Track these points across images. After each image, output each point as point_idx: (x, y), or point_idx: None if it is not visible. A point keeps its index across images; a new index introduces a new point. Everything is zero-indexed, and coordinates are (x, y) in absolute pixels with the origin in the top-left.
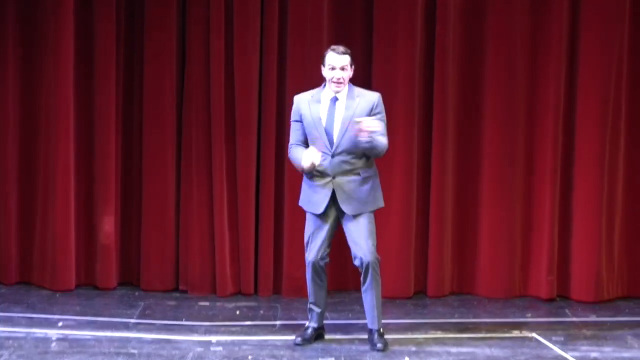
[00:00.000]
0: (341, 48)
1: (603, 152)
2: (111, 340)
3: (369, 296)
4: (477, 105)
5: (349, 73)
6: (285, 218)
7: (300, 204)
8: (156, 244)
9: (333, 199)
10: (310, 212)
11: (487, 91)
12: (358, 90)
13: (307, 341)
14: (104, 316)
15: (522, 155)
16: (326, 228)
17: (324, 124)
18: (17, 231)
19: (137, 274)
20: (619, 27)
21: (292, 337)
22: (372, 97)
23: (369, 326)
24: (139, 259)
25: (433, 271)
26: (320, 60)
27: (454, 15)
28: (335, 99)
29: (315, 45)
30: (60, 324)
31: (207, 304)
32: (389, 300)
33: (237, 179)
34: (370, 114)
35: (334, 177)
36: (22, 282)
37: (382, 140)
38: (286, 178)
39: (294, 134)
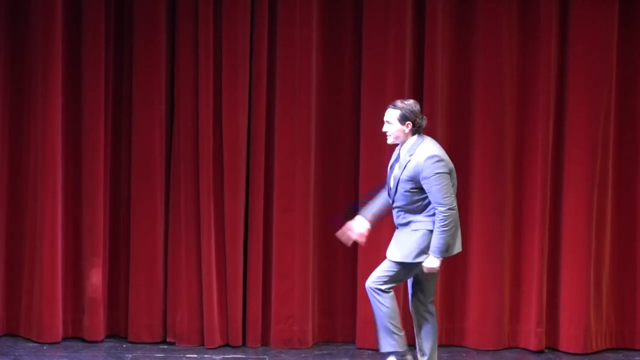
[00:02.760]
0: (395, 102)
1: (591, 204)
2: None
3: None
4: (465, 155)
5: (396, 127)
6: (274, 269)
7: None
8: (144, 296)
9: None
10: None
11: (476, 141)
12: (421, 147)
13: None
14: None
15: (511, 207)
16: None
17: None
18: (3, 283)
19: (124, 326)
20: (607, 68)
21: None
22: (419, 159)
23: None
24: (127, 311)
25: None
26: None
27: (441, 53)
28: (398, 154)
29: (305, 90)
30: None
31: (195, 355)
32: (378, 352)
33: (225, 230)
34: (419, 177)
35: (397, 227)
36: (8, 333)
37: (446, 224)
38: (274, 229)
39: None
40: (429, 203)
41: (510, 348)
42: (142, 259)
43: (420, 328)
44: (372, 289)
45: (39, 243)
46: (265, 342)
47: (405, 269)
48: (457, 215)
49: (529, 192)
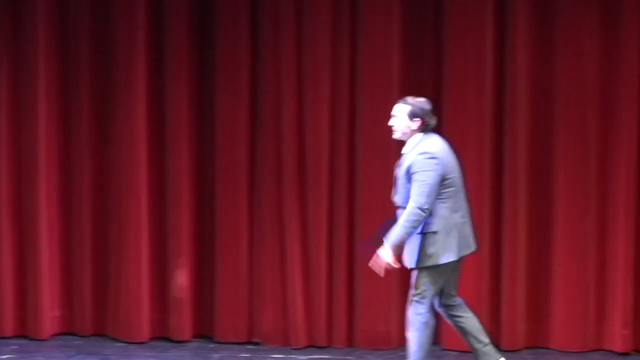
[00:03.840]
0: (406, 98)
1: None
2: None
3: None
4: (548, 156)
5: (403, 122)
6: (358, 270)
7: None
8: (230, 296)
9: None
10: None
11: (558, 143)
12: (421, 144)
13: None
14: None
15: (595, 207)
16: None
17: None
18: (91, 283)
19: (211, 326)
20: None
21: None
22: (415, 155)
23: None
24: (213, 311)
25: (506, 325)
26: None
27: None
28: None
29: (386, 91)
30: None
31: (280, 356)
32: (463, 353)
33: (308, 230)
34: (408, 174)
35: None
36: (97, 333)
37: (403, 222)
38: (359, 227)
39: None
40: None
41: (595, 350)
42: (228, 259)
43: (459, 327)
44: (411, 311)
45: (125, 244)
46: (350, 342)
47: (430, 273)
48: (453, 220)
49: (612, 192)
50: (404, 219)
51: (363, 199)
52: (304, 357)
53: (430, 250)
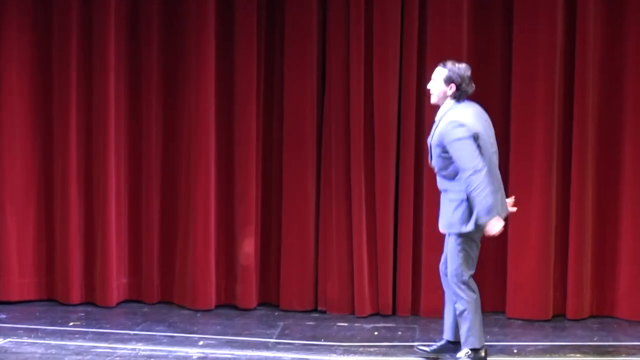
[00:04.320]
0: (446, 62)
1: None
2: (251, 359)
3: (446, 309)
4: (617, 134)
5: (440, 87)
6: (424, 238)
7: None
8: (295, 264)
9: None
10: None
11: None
12: (451, 112)
13: None
14: (244, 336)
15: None
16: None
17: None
18: (158, 251)
19: (276, 294)
20: None
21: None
22: (443, 124)
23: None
24: (279, 279)
25: (572, 293)
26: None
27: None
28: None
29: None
30: (201, 343)
31: (345, 324)
32: (528, 322)
33: (375, 200)
34: (444, 143)
35: (440, 193)
36: (163, 301)
37: (474, 188)
38: (425, 198)
39: None
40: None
41: None
42: (294, 227)
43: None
44: (455, 284)
45: (193, 212)
46: (415, 311)
47: (465, 240)
48: (492, 176)
49: None
50: (471, 191)
51: (429, 168)
52: (369, 326)
53: (468, 216)
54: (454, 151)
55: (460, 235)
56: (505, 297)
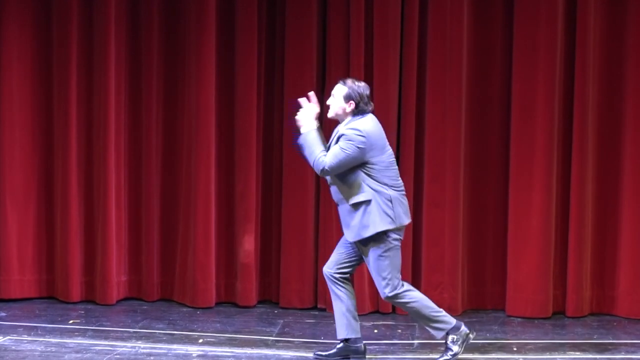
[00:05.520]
0: (346, 80)
1: None
2: (250, 357)
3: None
4: (616, 142)
5: (338, 103)
6: (424, 237)
7: None
8: (295, 262)
9: None
10: None
11: (629, 110)
12: (353, 122)
13: None
14: (244, 333)
15: None
16: (342, 245)
17: None
18: (159, 249)
19: (276, 292)
20: None
21: (432, 356)
22: (343, 129)
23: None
24: (279, 277)
25: (572, 291)
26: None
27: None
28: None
29: (455, 66)
30: (200, 340)
31: None
32: (528, 320)
33: None
34: (336, 138)
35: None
36: (163, 298)
37: (314, 152)
38: (425, 197)
39: None
40: (359, 181)
41: None
42: (294, 225)
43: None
44: (394, 297)
45: (193, 210)
46: None
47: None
48: (399, 192)
49: None
50: (311, 156)
51: (429, 167)
52: (369, 324)
53: (379, 214)
54: (340, 145)
55: (383, 238)
56: (505, 295)
